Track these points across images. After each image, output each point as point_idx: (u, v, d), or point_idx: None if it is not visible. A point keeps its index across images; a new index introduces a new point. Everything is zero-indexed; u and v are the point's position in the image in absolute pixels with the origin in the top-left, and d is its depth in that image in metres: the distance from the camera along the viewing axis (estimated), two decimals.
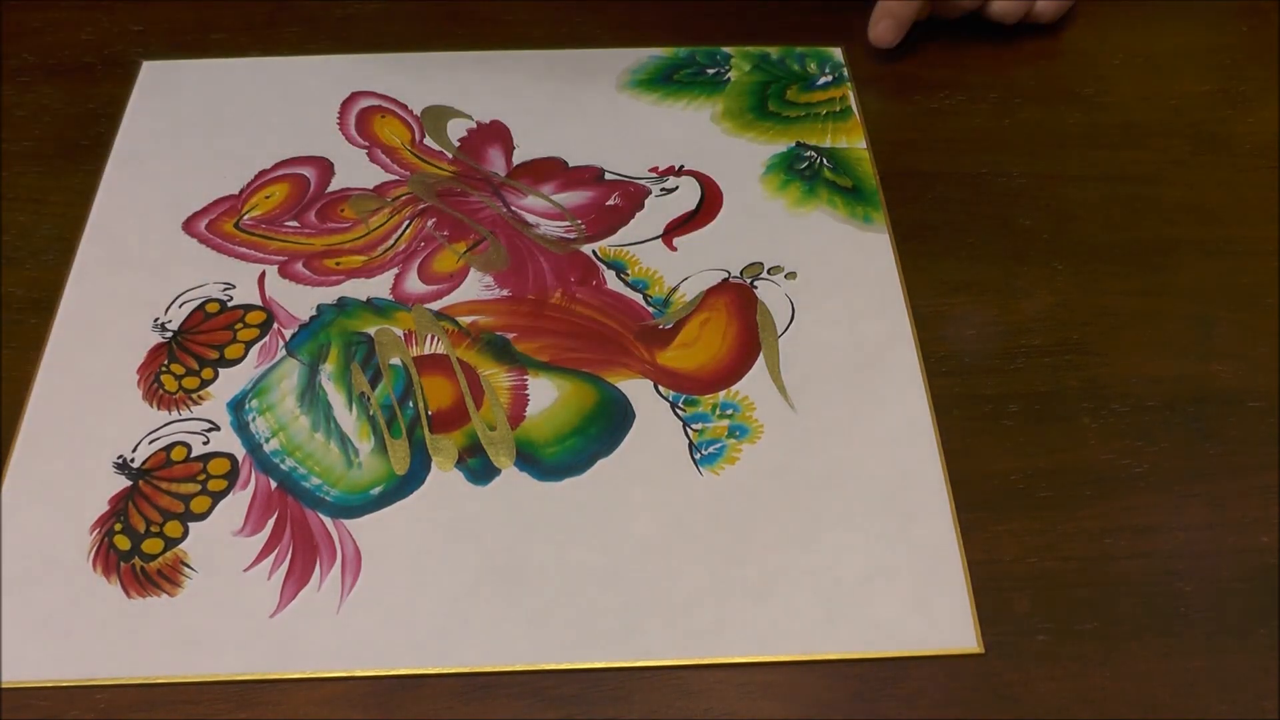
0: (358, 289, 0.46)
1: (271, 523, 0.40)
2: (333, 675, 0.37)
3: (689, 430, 0.42)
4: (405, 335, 0.45)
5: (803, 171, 0.50)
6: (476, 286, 0.46)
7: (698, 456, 0.41)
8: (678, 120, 0.52)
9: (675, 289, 0.46)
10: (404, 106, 0.52)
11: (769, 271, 0.47)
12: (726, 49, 0.55)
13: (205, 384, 0.43)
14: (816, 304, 0.46)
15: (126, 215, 0.48)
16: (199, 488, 0.41)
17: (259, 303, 0.46)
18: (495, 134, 0.51)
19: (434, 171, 0.50)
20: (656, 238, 0.48)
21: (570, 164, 0.50)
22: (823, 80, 0.54)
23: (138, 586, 0.39)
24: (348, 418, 0.42)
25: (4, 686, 0.36)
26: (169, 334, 0.45)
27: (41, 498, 0.40)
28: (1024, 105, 0.54)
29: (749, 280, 0.46)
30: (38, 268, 0.47)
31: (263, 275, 0.46)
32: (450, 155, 0.51)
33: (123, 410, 0.42)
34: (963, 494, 0.41)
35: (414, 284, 0.46)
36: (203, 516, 0.40)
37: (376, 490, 0.41)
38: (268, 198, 0.49)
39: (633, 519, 0.40)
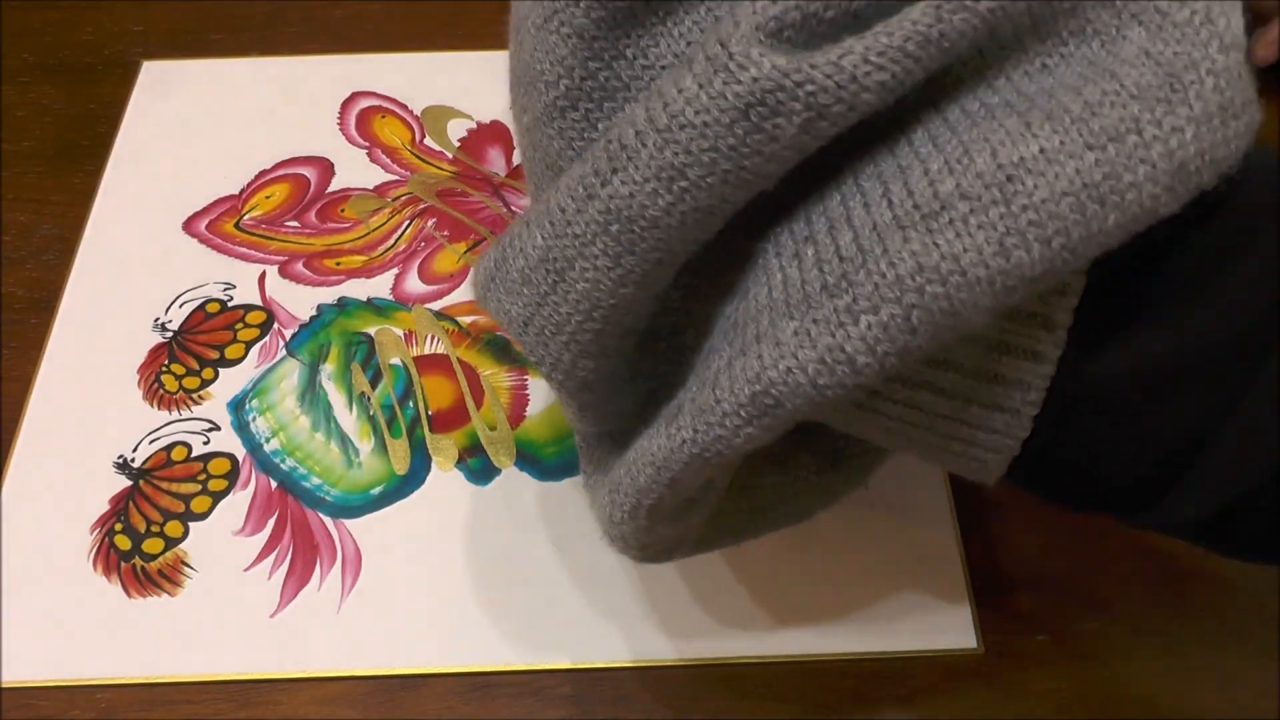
0: (358, 289, 0.46)
1: (272, 523, 0.40)
2: (333, 675, 0.37)
3: None
4: (405, 335, 0.45)
5: None
6: None
7: None
8: None
9: None
10: (404, 106, 0.52)
11: None
12: None
13: (206, 384, 0.43)
14: None
15: (126, 215, 0.48)
16: (199, 487, 0.41)
17: (259, 303, 0.46)
18: (495, 134, 0.51)
19: (434, 171, 0.50)
20: None
21: None
22: None
23: (138, 586, 0.39)
24: (348, 418, 0.42)
25: (4, 686, 0.36)
26: (169, 334, 0.45)
27: (41, 498, 0.40)
28: None
29: None
30: (38, 268, 0.47)
31: (263, 275, 0.46)
32: (450, 155, 0.51)
33: (123, 410, 0.42)
34: (963, 494, 0.41)
35: (414, 284, 0.46)
36: (203, 516, 0.40)
37: (376, 490, 0.41)
38: (268, 198, 0.49)
39: None
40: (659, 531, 0.29)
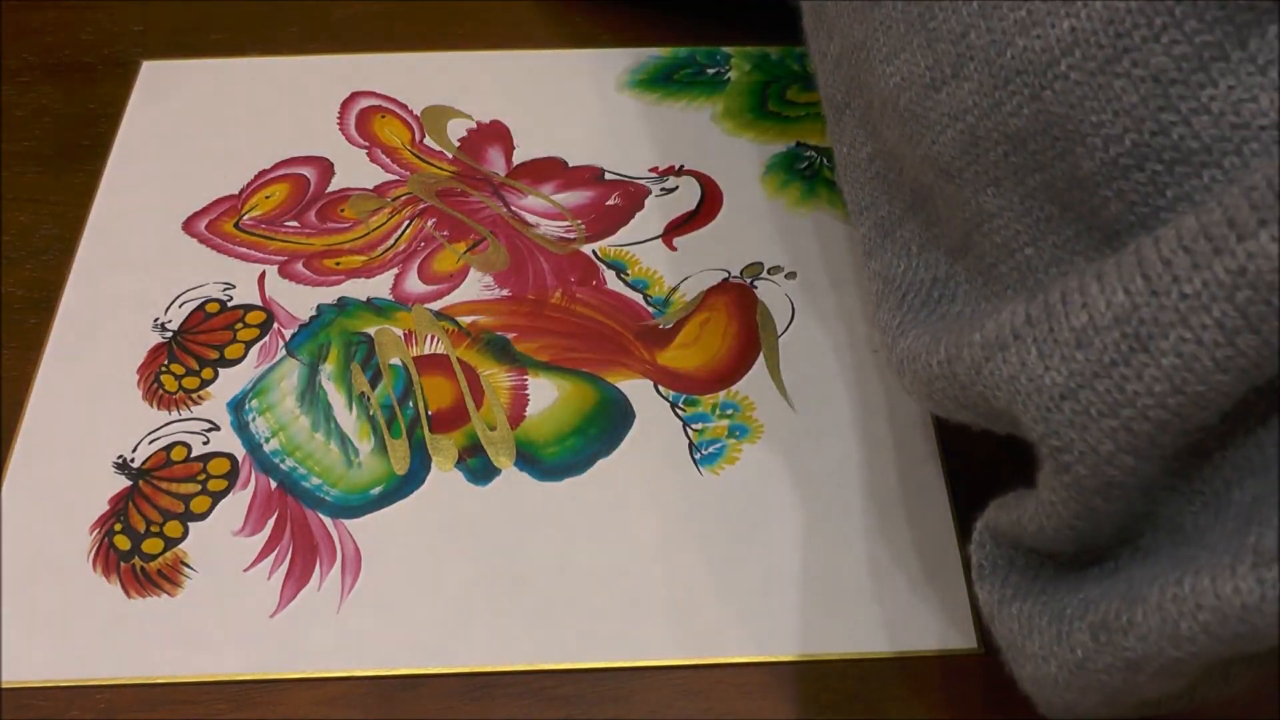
0: (358, 289, 0.46)
1: (271, 523, 0.40)
2: (333, 675, 0.37)
3: (689, 430, 0.42)
4: (405, 335, 0.45)
5: (803, 171, 0.50)
6: (476, 286, 0.46)
7: (698, 456, 0.41)
8: (678, 120, 0.52)
9: (675, 289, 0.46)
10: (404, 106, 0.52)
11: (769, 271, 0.47)
12: (726, 49, 0.55)
13: (205, 384, 0.43)
14: (816, 304, 0.46)
15: (126, 215, 0.48)
16: (199, 488, 0.41)
17: (259, 303, 0.46)
18: (495, 134, 0.51)
19: (434, 171, 0.50)
20: (656, 238, 0.48)
21: (570, 164, 0.50)
22: None
23: (138, 586, 0.39)
24: (348, 418, 0.42)
25: (4, 686, 0.36)
26: (169, 334, 0.45)
27: (41, 498, 0.40)
28: None
29: (749, 280, 0.46)
30: (38, 268, 0.47)
31: (263, 275, 0.46)
32: (450, 155, 0.51)
33: (123, 410, 0.42)
34: (963, 494, 0.41)
35: (414, 284, 0.46)
36: (203, 516, 0.40)
37: (376, 490, 0.41)
38: (268, 198, 0.49)
39: (633, 519, 0.40)
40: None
